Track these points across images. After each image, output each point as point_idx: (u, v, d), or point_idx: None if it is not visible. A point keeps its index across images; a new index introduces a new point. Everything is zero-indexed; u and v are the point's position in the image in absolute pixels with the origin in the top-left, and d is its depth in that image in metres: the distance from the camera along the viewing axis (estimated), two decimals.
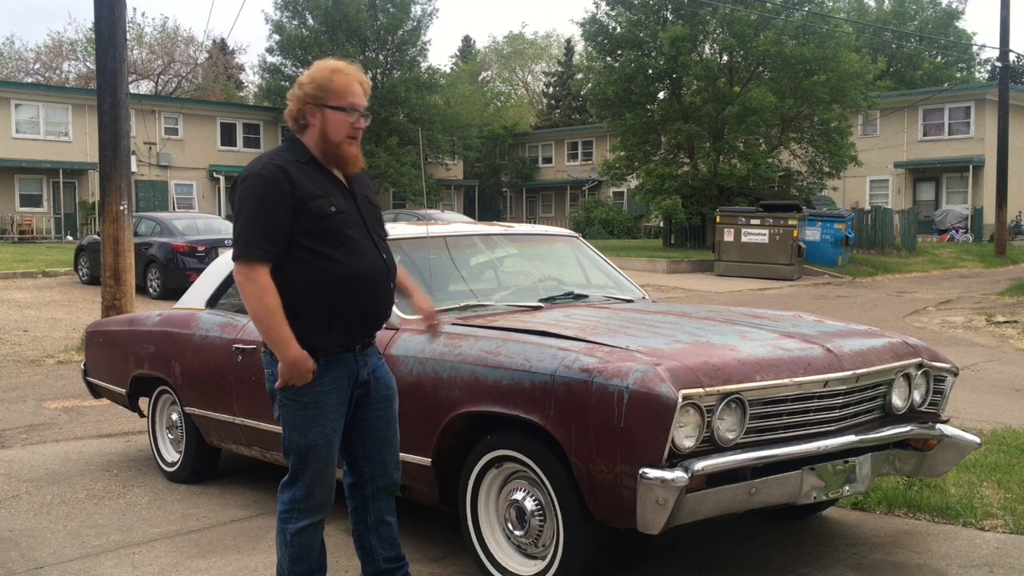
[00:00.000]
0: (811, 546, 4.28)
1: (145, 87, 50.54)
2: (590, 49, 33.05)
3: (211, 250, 16.09)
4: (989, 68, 47.88)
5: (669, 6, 29.50)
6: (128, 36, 12.41)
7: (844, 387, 3.64)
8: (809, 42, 27.01)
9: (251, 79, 60.02)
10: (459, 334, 3.95)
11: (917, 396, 4.04)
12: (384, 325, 3.80)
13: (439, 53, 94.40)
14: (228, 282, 5.44)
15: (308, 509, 3.30)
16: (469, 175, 49.85)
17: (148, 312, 6.12)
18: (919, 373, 4.03)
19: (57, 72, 51.97)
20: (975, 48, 46.93)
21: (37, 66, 52.29)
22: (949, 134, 36.63)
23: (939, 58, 47.28)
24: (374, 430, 3.40)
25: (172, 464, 5.62)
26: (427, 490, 4.02)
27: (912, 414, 4.02)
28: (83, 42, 50.17)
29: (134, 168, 18.71)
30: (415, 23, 42.04)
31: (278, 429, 4.61)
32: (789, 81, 27.30)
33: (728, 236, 22.66)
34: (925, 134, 37.21)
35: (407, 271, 3.78)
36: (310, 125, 3.23)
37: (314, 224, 3.14)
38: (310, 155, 3.23)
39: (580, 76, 45.95)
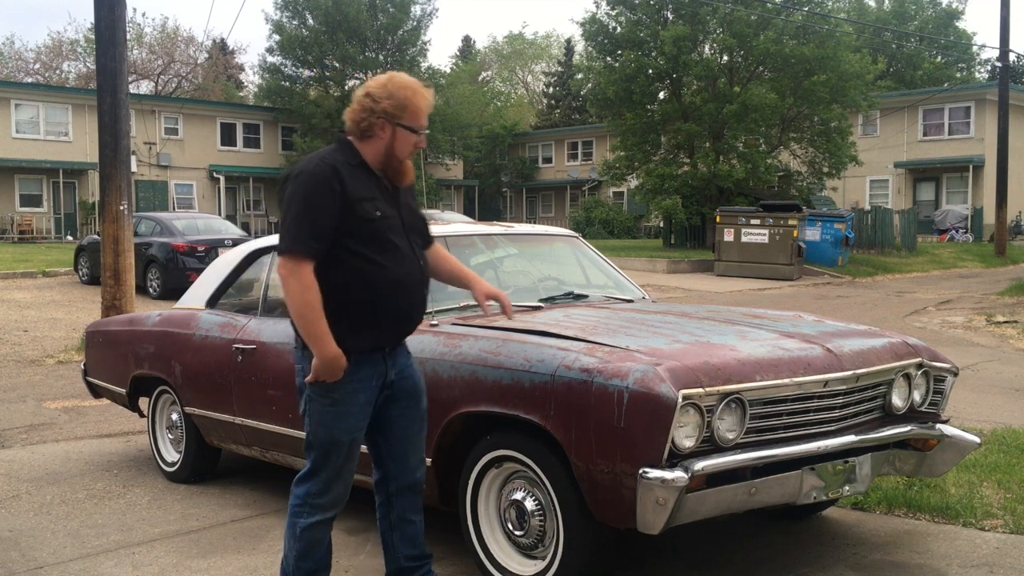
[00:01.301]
0: (811, 546, 4.28)
1: (145, 87, 50.57)
2: (590, 49, 33.03)
3: (211, 250, 16.10)
4: (989, 68, 47.90)
5: (670, 6, 29.49)
6: (128, 36, 12.41)
7: (844, 387, 3.64)
8: (809, 42, 27.01)
9: (251, 79, 60.08)
10: (459, 334, 3.95)
11: (917, 396, 4.04)
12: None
13: (439, 53, 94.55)
14: (228, 282, 5.45)
15: (322, 505, 3.34)
16: (469, 175, 49.86)
17: (148, 312, 6.12)
18: (919, 373, 4.03)
19: (57, 72, 51.98)
20: (975, 48, 46.98)
21: (37, 66, 52.31)
22: (949, 134, 36.63)
23: (939, 58, 47.29)
24: (399, 428, 3.45)
25: (172, 464, 5.62)
26: (427, 490, 4.00)
27: (912, 414, 4.02)
28: (83, 42, 50.17)
29: (134, 168, 18.71)
30: (415, 23, 42.08)
31: (278, 429, 4.65)
32: (789, 81, 27.29)
33: (728, 236, 22.66)
34: (925, 134, 37.20)
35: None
36: (376, 137, 3.27)
37: (359, 226, 3.20)
38: (361, 159, 3.29)
39: (580, 76, 45.95)
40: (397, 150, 3.29)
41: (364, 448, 3.61)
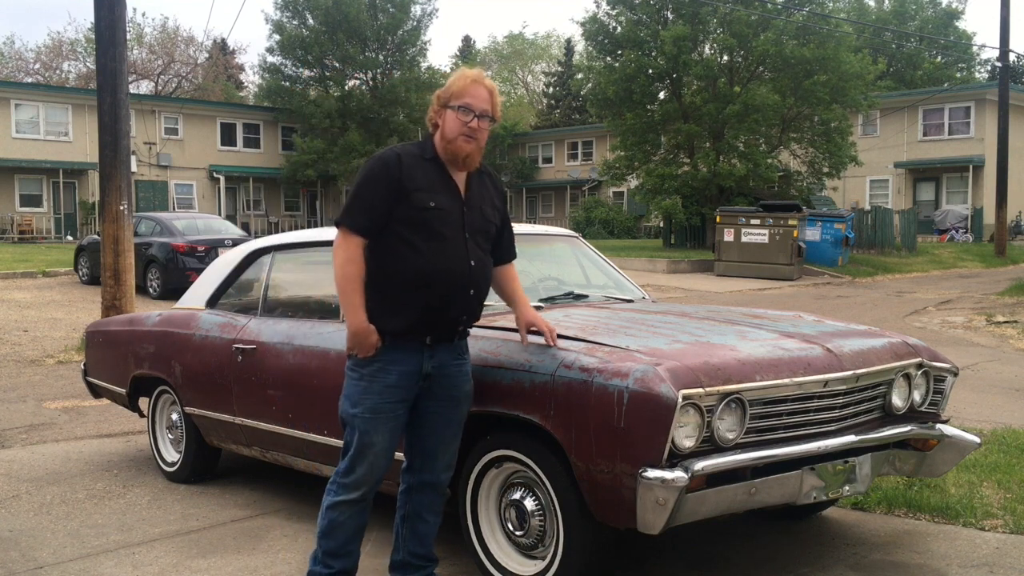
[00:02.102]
0: (811, 546, 4.28)
1: (145, 87, 50.58)
2: (590, 49, 33.02)
3: (211, 250, 16.10)
4: (989, 68, 47.91)
5: (670, 6, 29.48)
6: (128, 36, 12.41)
7: (844, 387, 3.64)
8: (809, 42, 27.01)
9: (251, 79, 60.11)
10: None
11: (917, 396, 4.04)
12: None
13: (439, 53, 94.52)
14: (228, 282, 5.45)
15: (345, 485, 3.42)
16: None
17: (148, 312, 6.12)
18: (919, 373, 4.03)
19: (57, 72, 51.99)
20: (975, 48, 46.98)
21: (37, 66, 52.33)
22: (949, 134, 36.63)
23: (939, 58, 47.30)
24: (429, 424, 3.50)
25: (172, 464, 5.62)
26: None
27: (912, 414, 4.02)
28: (83, 42, 50.19)
29: (134, 168, 18.73)
30: (415, 23, 42.09)
31: (278, 429, 4.65)
32: (789, 81, 27.30)
33: (728, 236, 22.66)
34: (925, 134, 37.20)
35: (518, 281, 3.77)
36: (437, 125, 3.46)
37: (411, 213, 3.34)
38: (434, 153, 3.44)
39: (580, 76, 45.90)
40: (447, 131, 3.40)
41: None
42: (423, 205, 3.34)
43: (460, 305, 3.42)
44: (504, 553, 3.76)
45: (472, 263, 3.42)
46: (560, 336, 3.70)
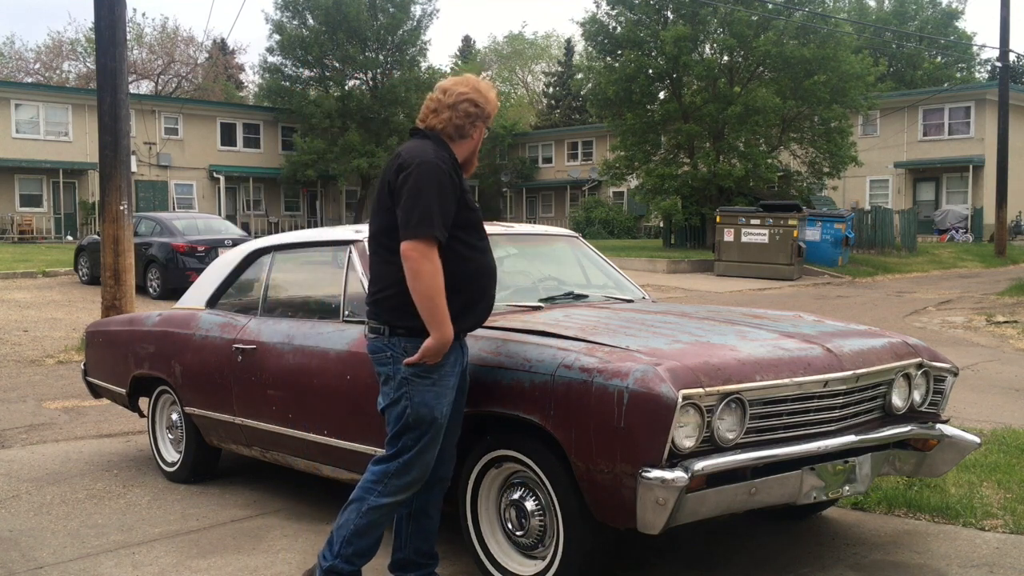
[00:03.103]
0: (811, 546, 4.28)
1: (145, 87, 50.58)
2: (590, 49, 33.02)
3: (211, 250, 16.10)
4: (989, 68, 47.90)
5: (670, 6, 29.47)
6: (128, 36, 12.40)
7: (844, 387, 3.64)
8: (810, 42, 27.01)
9: (251, 79, 60.09)
10: None
11: (917, 396, 4.04)
12: None
13: (439, 53, 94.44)
14: (228, 282, 5.45)
15: (398, 487, 3.42)
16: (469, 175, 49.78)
17: (148, 312, 6.12)
18: (919, 373, 4.03)
19: (57, 72, 51.99)
20: (975, 48, 46.96)
21: (37, 66, 52.32)
22: (949, 134, 36.63)
23: (939, 58, 47.28)
24: (449, 419, 3.53)
25: (172, 464, 5.62)
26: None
27: (912, 414, 4.02)
28: (83, 42, 50.18)
29: (134, 168, 18.73)
30: (415, 23, 42.07)
31: (278, 429, 4.65)
32: (789, 81, 27.30)
33: (728, 236, 22.66)
34: (925, 134, 37.20)
35: None
36: (470, 138, 3.55)
37: (467, 216, 3.45)
38: (455, 156, 3.51)
39: (580, 76, 45.92)
40: (477, 144, 3.58)
41: (355, 445, 3.80)
42: (473, 206, 3.49)
43: (494, 298, 3.62)
44: (504, 553, 3.77)
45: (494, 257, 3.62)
46: (560, 336, 3.71)
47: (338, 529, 3.48)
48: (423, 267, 3.25)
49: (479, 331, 3.91)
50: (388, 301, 3.41)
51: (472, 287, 3.45)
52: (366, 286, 4.32)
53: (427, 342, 3.30)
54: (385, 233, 3.43)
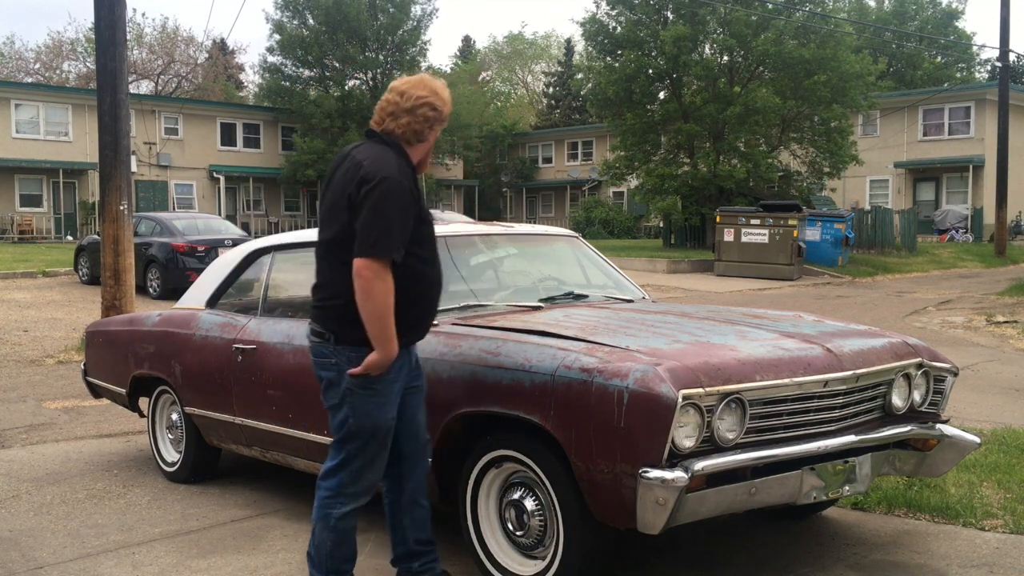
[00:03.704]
0: (811, 546, 4.28)
1: (145, 87, 50.56)
2: (590, 49, 33.01)
3: (211, 250, 16.10)
4: (989, 68, 47.88)
5: (670, 6, 29.46)
6: (128, 36, 12.40)
7: (844, 387, 3.64)
8: (809, 42, 27.00)
9: (251, 79, 60.07)
10: (459, 334, 3.94)
11: (917, 396, 4.04)
12: None
13: (439, 53, 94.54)
14: (228, 282, 5.45)
15: (355, 493, 3.48)
16: (469, 175, 49.85)
17: (148, 312, 6.12)
18: (919, 373, 4.03)
19: (57, 72, 51.97)
20: (975, 48, 46.96)
21: (37, 66, 52.31)
22: (949, 134, 36.63)
23: (939, 58, 47.27)
24: (411, 407, 3.60)
25: (172, 464, 5.62)
26: (427, 490, 4.02)
27: (912, 414, 4.02)
28: (83, 42, 50.17)
29: (134, 168, 18.72)
30: (415, 23, 42.06)
31: (278, 429, 4.65)
32: (789, 81, 27.29)
33: (728, 236, 22.66)
34: (925, 134, 37.20)
35: None
36: (427, 141, 3.48)
37: (422, 230, 3.42)
38: (413, 165, 3.46)
39: (580, 76, 45.92)
40: (431, 148, 3.53)
41: None
42: (428, 220, 3.46)
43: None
44: (504, 553, 3.77)
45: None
46: (560, 336, 3.72)
47: (316, 549, 3.52)
48: (375, 287, 3.24)
49: (479, 331, 3.92)
50: (336, 310, 3.39)
51: (424, 301, 3.48)
52: None
53: (372, 357, 3.31)
54: (339, 243, 3.37)
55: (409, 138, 3.43)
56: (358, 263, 3.26)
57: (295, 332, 4.59)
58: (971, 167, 35.51)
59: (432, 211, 3.71)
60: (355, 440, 3.42)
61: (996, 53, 31.01)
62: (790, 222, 21.90)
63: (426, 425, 3.68)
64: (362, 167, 3.32)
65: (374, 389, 3.38)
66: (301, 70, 42.47)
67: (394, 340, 3.31)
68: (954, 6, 47.55)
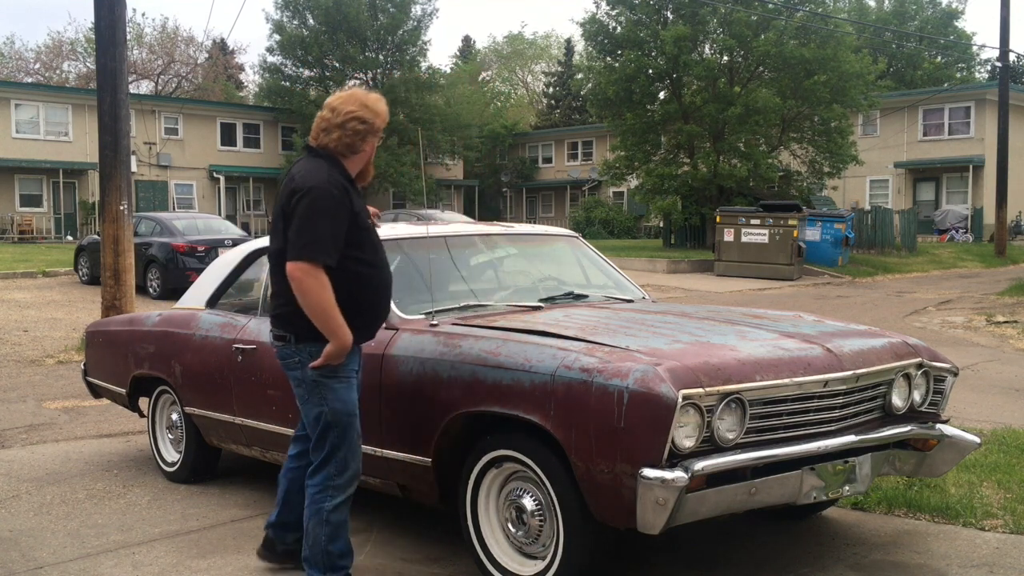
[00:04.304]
0: (811, 546, 4.28)
1: (145, 87, 50.54)
2: (590, 49, 33.01)
3: (211, 250, 16.09)
4: (989, 68, 47.88)
5: (670, 6, 29.46)
6: (128, 36, 12.40)
7: (844, 387, 3.64)
8: (809, 42, 27.00)
9: (251, 79, 60.06)
10: (459, 334, 3.95)
11: (917, 396, 4.04)
12: (384, 325, 4.00)
13: (439, 53, 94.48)
14: (228, 282, 5.45)
15: (343, 484, 3.64)
16: (469, 175, 49.85)
17: (148, 312, 6.12)
18: (919, 373, 4.03)
19: (57, 72, 51.96)
20: (975, 48, 46.96)
21: (37, 66, 52.30)
22: (949, 134, 36.62)
23: (939, 58, 47.27)
24: None
25: (172, 464, 5.61)
26: (427, 490, 4.02)
27: (912, 414, 4.02)
28: (83, 42, 50.16)
29: (134, 168, 18.71)
30: (415, 23, 42.04)
31: (278, 429, 4.64)
32: (789, 81, 27.29)
33: (728, 236, 22.66)
34: (925, 134, 37.20)
35: None
36: (363, 152, 3.69)
37: (360, 236, 3.62)
38: (349, 174, 3.67)
39: (580, 76, 45.91)
40: (370, 156, 3.75)
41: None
42: (367, 225, 3.66)
43: (389, 307, 3.88)
44: (504, 553, 3.77)
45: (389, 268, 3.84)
46: (560, 336, 3.72)
47: (311, 549, 3.65)
48: (308, 284, 3.46)
49: (479, 331, 3.92)
50: (290, 316, 3.61)
51: (370, 302, 3.66)
52: None
53: (328, 348, 3.52)
54: (283, 253, 3.58)
55: (343, 151, 3.64)
56: (289, 267, 3.50)
57: None
58: (971, 167, 35.50)
59: (432, 211, 3.81)
60: (334, 428, 3.60)
61: (996, 53, 31.03)
62: (790, 222, 21.90)
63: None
64: (294, 180, 3.57)
65: (339, 377, 3.59)
66: (301, 70, 42.45)
67: (343, 329, 3.50)
68: (954, 6, 47.57)
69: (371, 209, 4.35)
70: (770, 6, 28.17)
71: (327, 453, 3.62)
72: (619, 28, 30.03)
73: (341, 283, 3.52)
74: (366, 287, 3.62)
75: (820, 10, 29.39)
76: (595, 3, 30.31)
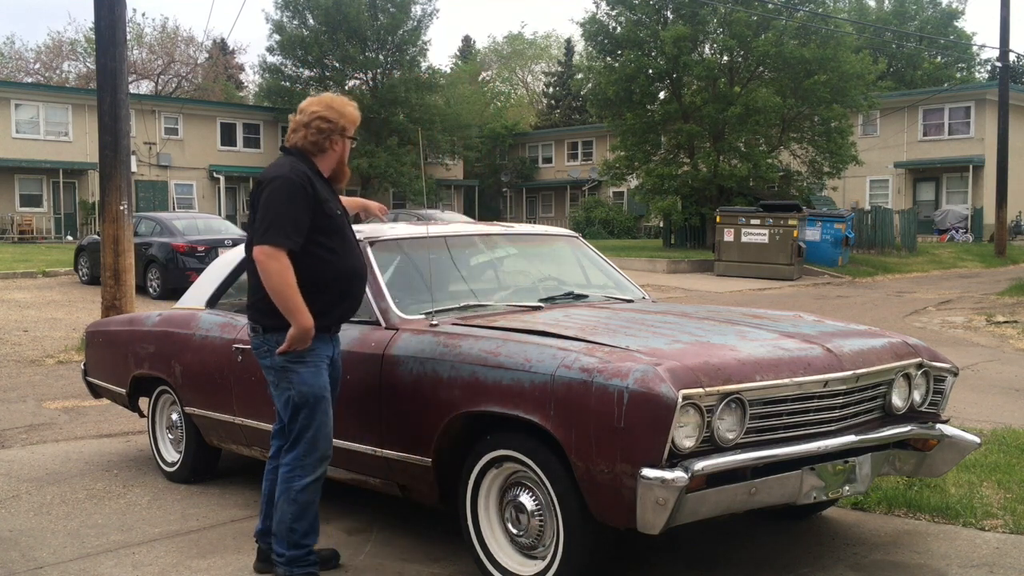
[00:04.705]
0: (811, 546, 4.28)
1: (145, 87, 50.53)
2: (590, 49, 33.01)
3: (211, 250, 16.09)
4: (989, 68, 47.89)
5: (670, 6, 29.46)
6: (128, 36, 12.40)
7: (844, 387, 3.64)
8: (810, 42, 27.00)
9: (251, 79, 60.04)
10: (459, 334, 3.95)
11: (917, 396, 4.04)
12: (384, 325, 4.02)
13: (439, 53, 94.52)
14: (228, 282, 5.44)
15: (312, 464, 3.79)
16: (469, 175, 49.85)
17: (148, 312, 6.12)
18: (919, 373, 4.03)
19: (57, 72, 51.96)
20: (975, 48, 46.96)
21: (37, 66, 52.30)
22: (949, 134, 36.62)
23: (939, 58, 47.28)
24: None
25: (172, 464, 5.61)
26: (427, 490, 4.02)
27: (912, 414, 4.02)
28: (83, 42, 50.15)
29: (134, 168, 18.71)
30: (415, 23, 42.03)
31: None
32: (789, 81, 27.29)
33: (728, 236, 22.66)
34: (925, 134, 37.20)
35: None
36: (332, 151, 3.89)
37: (326, 223, 3.78)
38: (317, 169, 3.87)
39: (580, 76, 45.93)
40: (345, 157, 3.95)
41: (355, 445, 4.03)
42: (332, 214, 3.81)
43: (361, 296, 4.00)
44: (504, 553, 3.76)
45: (362, 259, 4.02)
46: (560, 336, 3.72)
47: (278, 524, 3.81)
48: (269, 266, 3.65)
49: (479, 331, 3.92)
50: (259, 305, 3.81)
51: (333, 287, 3.80)
52: (365, 286, 4.34)
53: (290, 332, 3.68)
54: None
55: (310, 148, 3.85)
56: (253, 250, 3.71)
57: None
58: (971, 167, 35.50)
59: (432, 211, 3.86)
60: (302, 410, 3.75)
61: (996, 53, 31.03)
62: (790, 222, 21.90)
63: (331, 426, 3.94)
64: (261, 176, 3.83)
65: (304, 361, 3.75)
66: (301, 70, 42.44)
67: (303, 312, 3.65)
68: (954, 6, 47.57)
69: (378, 205, 4.59)
70: (770, 6, 28.18)
71: (296, 434, 3.77)
72: (619, 28, 30.03)
73: (304, 268, 3.69)
74: (327, 272, 3.76)
75: (820, 10, 29.39)
76: (595, 3, 30.35)
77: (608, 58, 30.75)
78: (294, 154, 3.86)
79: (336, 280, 3.80)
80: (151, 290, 16.64)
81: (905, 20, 45.89)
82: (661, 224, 33.95)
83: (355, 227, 4.66)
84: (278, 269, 3.63)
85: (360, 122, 3.99)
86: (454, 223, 6.37)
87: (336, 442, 4.28)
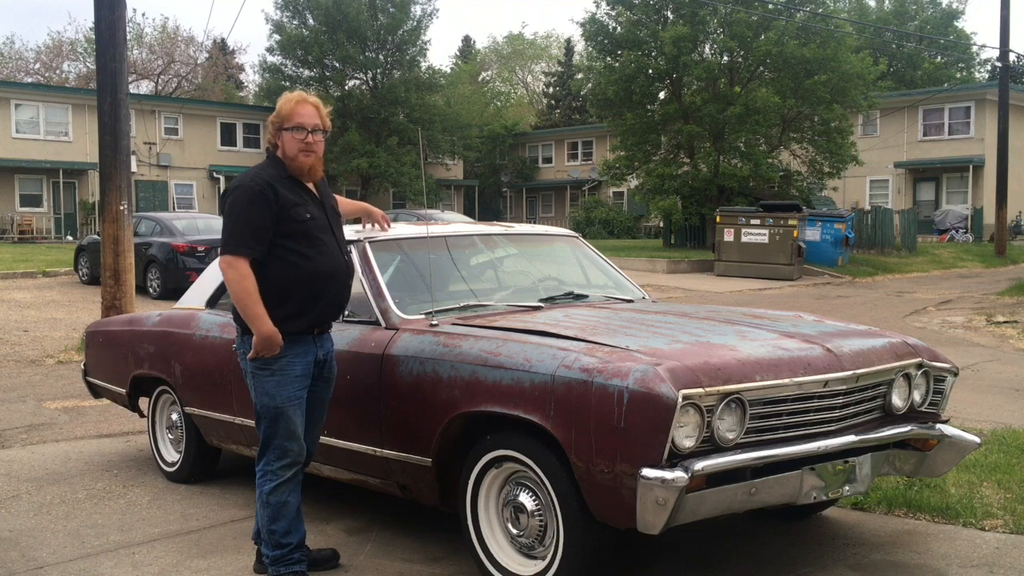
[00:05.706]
0: (811, 546, 4.28)
1: (145, 87, 50.52)
2: (590, 49, 33.01)
3: (211, 250, 16.07)
4: (989, 68, 47.88)
5: (670, 6, 29.47)
6: (128, 36, 12.40)
7: (844, 387, 3.64)
8: (810, 42, 27.00)
9: (251, 79, 60.03)
10: (459, 334, 3.95)
11: (917, 396, 4.04)
12: (384, 325, 4.02)
13: (439, 53, 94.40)
14: None
15: (280, 468, 3.82)
16: (469, 175, 49.84)
17: (148, 312, 6.12)
18: (919, 373, 4.02)
19: (57, 72, 51.94)
20: (975, 48, 46.96)
21: (37, 66, 52.28)
22: (949, 134, 36.62)
23: (939, 58, 47.28)
24: (313, 403, 3.94)
25: (172, 464, 5.62)
26: (427, 490, 4.02)
27: (912, 414, 4.02)
28: (83, 42, 50.14)
29: (134, 168, 18.71)
30: (415, 23, 42.01)
31: None
32: (790, 81, 27.28)
33: (728, 236, 22.66)
34: (925, 134, 37.19)
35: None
36: (277, 147, 3.91)
37: (292, 228, 3.79)
38: (287, 172, 3.87)
39: (580, 76, 45.98)
40: (287, 150, 3.86)
41: (355, 445, 4.04)
42: (301, 218, 3.81)
43: (344, 295, 3.97)
44: (504, 553, 3.76)
45: (345, 257, 3.99)
46: (560, 336, 3.72)
47: (259, 527, 3.89)
48: (229, 275, 3.73)
49: (479, 331, 3.91)
50: (234, 309, 3.86)
51: (304, 290, 3.80)
52: (365, 286, 4.35)
53: (253, 339, 3.74)
54: None
55: (272, 149, 3.92)
56: (219, 260, 3.82)
57: None
58: (971, 167, 35.50)
59: (432, 211, 3.85)
60: (264, 419, 3.81)
61: (996, 53, 31.04)
62: (790, 222, 21.90)
63: (320, 426, 4.05)
64: (228, 186, 3.89)
65: (270, 369, 3.77)
66: (301, 70, 42.41)
67: (262, 320, 3.68)
68: (954, 6, 47.60)
69: (381, 214, 4.62)
70: (770, 6, 28.18)
71: (263, 441, 3.84)
72: (619, 28, 30.03)
73: (273, 272, 3.76)
74: (296, 276, 3.77)
75: (820, 10, 29.39)
76: (595, 3, 30.35)
77: (608, 58, 30.75)
78: (269, 157, 3.94)
79: (306, 283, 3.80)
80: (151, 290, 16.64)
81: (905, 20, 45.91)
82: (661, 224, 33.95)
83: (355, 228, 4.67)
84: (236, 278, 3.70)
85: (306, 115, 3.82)
86: (454, 223, 6.37)
87: (336, 442, 4.29)
